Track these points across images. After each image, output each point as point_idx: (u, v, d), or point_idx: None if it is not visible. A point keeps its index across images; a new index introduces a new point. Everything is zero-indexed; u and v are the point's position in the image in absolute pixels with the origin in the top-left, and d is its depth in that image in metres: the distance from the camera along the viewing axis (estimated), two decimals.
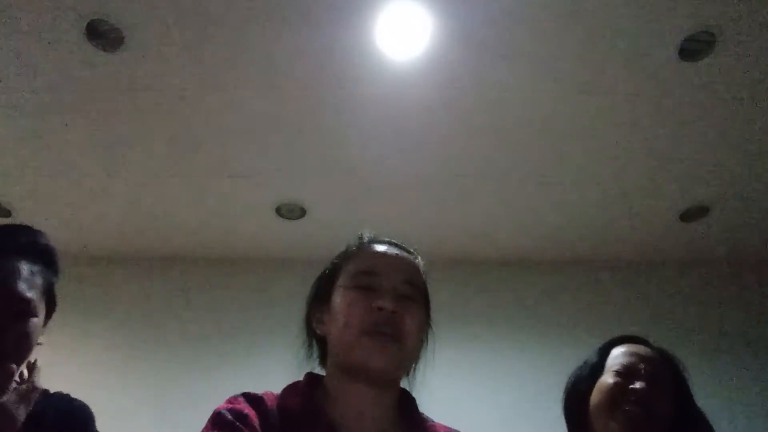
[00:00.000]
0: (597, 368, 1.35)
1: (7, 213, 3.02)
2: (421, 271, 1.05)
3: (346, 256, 1.07)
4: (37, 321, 1.16)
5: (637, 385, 1.24)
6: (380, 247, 1.05)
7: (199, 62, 2.30)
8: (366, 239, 1.10)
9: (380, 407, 0.96)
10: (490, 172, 2.78)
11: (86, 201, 2.95)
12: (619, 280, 3.24)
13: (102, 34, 2.19)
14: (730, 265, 3.25)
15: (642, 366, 1.29)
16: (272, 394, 0.97)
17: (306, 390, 0.98)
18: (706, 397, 3.10)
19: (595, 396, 1.29)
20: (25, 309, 1.12)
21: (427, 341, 1.03)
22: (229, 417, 0.87)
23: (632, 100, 2.43)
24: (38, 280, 1.19)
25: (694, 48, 2.23)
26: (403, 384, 1.03)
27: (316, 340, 1.05)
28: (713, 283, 3.22)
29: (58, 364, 3.24)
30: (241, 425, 0.86)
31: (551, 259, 3.26)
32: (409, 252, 1.07)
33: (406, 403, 1.02)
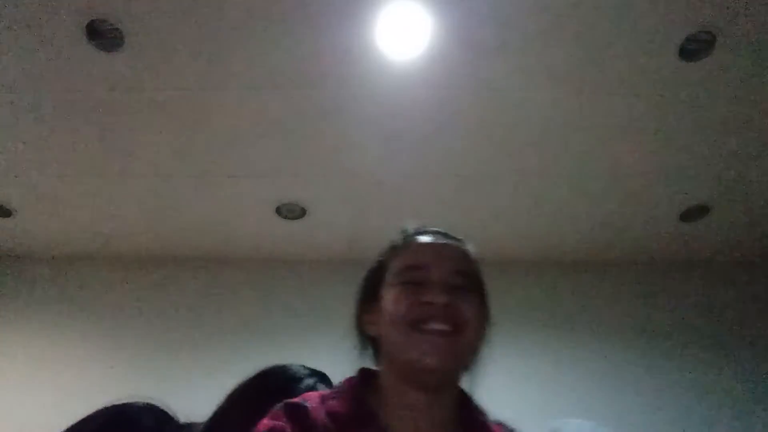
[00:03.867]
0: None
1: (7, 213, 3.02)
2: (473, 258, 0.99)
3: (391, 252, 1.00)
4: None
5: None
6: (426, 239, 0.98)
7: (199, 62, 2.30)
8: (410, 232, 1.02)
9: (437, 410, 0.89)
10: (490, 171, 2.78)
11: (86, 201, 2.96)
12: (619, 280, 3.24)
13: (102, 34, 2.20)
14: (730, 265, 3.25)
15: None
16: (317, 396, 0.90)
17: (358, 392, 0.92)
18: (706, 396, 3.12)
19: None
20: None
21: (487, 333, 0.97)
22: None
23: (632, 100, 2.43)
24: None
25: (694, 48, 2.23)
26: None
27: (369, 341, 0.99)
28: (713, 283, 3.22)
29: (58, 364, 3.26)
30: None
31: (551, 260, 3.26)
32: (456, 240, 1.00)
33: (465, 403, 0.95)
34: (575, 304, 3.17)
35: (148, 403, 1.15)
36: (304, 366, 1.15)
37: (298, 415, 0.85)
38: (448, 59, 2.29)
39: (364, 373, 0.96)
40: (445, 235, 1.00)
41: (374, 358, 0.98)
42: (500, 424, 0.98)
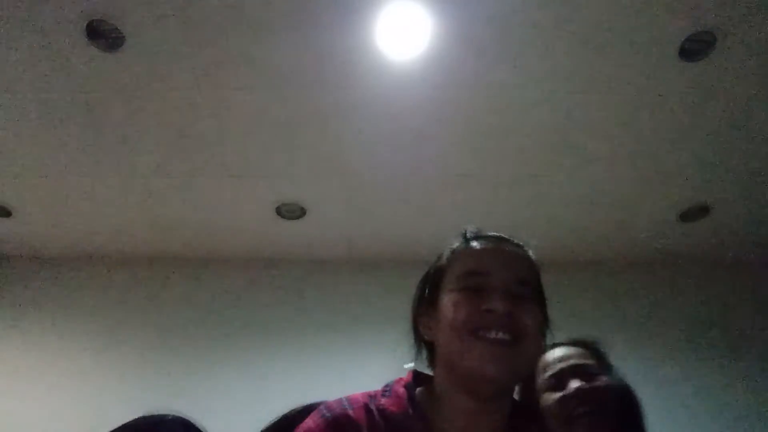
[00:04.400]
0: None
1: (7, 213, 3.02)
2: (535, 265, 0.97)
3: (451, 256, 0.97)
4: None
5: (571, 386, 1.23)
6: (487, 244, 0.95)
7: (199, 62, 2.30)
8: (471, 235, 0.98)
9: (490, 417, 0.88)
10: (490, 171, 2.78)
11: (86, 201, 2.95)
12: (619, 280, 3.24)
13: (102, 34, 2.19)
14: (730, 265, 3.25)
15: (563, 365, 1.29)
16: (363, 396, 0.90)
17: (411, 394, 0.91)
18: (705, 396, 3.12)
19: (548, 421, 1.26)
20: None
21: (545, 342, 0.96)
22: None
23: (632, 100, 2.43)
24: None
25: (694, 48, 2.23)
26: None
27: (425, 345, 0.97)
28: (713, 283, 3.22)
29: (57, 364, 3.26)
30: None
31: (550, 260, 3.24)
32: (518, 246, 0.98)
33: (520, 414, 0.94)
34: (575, 304, 3.17)
35: (180, 417, 1.13)
36: None
37: (340, 425, 0.85)
38: (448, 59, 2.29)
39: (415, 374, 0.95)
40: (507, 240, 0.98)
41: (429, 362, 0.96)
42: None
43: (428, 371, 0.96)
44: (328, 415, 0.86)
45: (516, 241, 0.98)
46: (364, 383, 1.12)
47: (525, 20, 2.16)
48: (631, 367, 3.24)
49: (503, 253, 0.94)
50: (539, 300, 0.93)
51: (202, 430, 1.11)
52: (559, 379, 1.27)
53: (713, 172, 2.75)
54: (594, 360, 1.31)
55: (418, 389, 0.92)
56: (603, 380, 1.26)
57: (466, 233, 0.99)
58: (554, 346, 1.35)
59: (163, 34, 2.20)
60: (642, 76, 2.33)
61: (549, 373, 1.29)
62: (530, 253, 0.98)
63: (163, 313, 3.16)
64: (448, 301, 0.89)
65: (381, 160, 2.72)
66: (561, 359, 1.31)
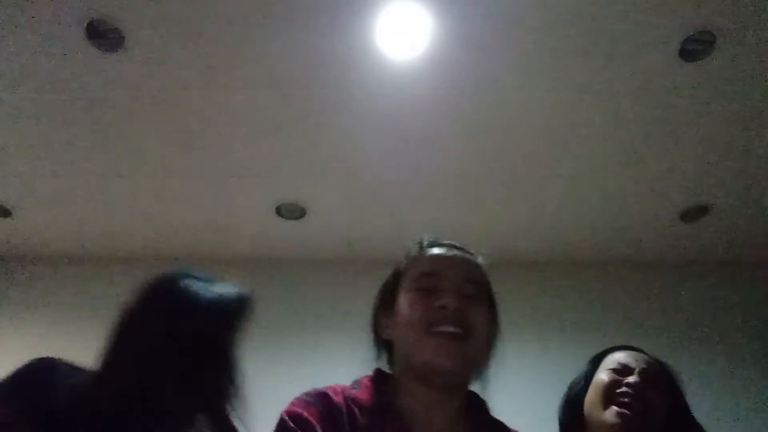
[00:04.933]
0: (590, 374, 1.34)
1: (7, 213, 3.02)
2: (483, 269, 1.04)
3: (408, 261, 1.06)
4: None
5: (631, 379, 1.24)
6: (440, 250, 1.05)
7: (199, 62, 2.30)
8: (425, 242, 1.09)
9: (447, 409, 0.95)
10: (490, 172, 2.78)
11: (86, 201, 2.96)
12: (619, 280, 3.23)
13: (102, 34, 2.19)
14: (730, 265, 3.25)
15: (636, 364, 1.30)
16: (339, 386, 0.98)
17: (376, 384, 1.00)
18: (705, 397, 3.11)
19: (590, 395, 1.29)
20: None
21: (496, 340, 1.03)
22: (291, 424, 0.89)
23: (632, 100, 2.43)
24: None
25: (694, 48, 2.23)
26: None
27: (384, 345, 1.05)
28: (713, 284, 3.22)
29: None
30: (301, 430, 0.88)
31: (551, 260, 3.26)
32: (468, 252, 1.06)
33: (476, 405, 1.01)
34: (575, 304, 3.17)
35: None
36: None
37: (319, 400, 0.93)
38: (448, 59, 2.28)
39: (379, 371, 1.03)
40: (459, 247, 1.06)
41: (388, 361, 1.04)
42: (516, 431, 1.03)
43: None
44: (310, 399, 0.93)
45: (466, 248, 1.07)
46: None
47: (525, 20, 2.16)
48: None
49: (454, 257, 1.03)
50: (488, 300, 1.01)
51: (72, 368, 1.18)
52: (625, 368, 1.28)
53: (713, 172, 2.75)
54: (663, 379, 1.30)
55: (382, 383, 1.00)
56: (662, 397, 1.25)
57: (421, 241, 1.09)
58: (634, 349, 1.38)
59: (163, 34, 2.20)
60: (642, 76, 2.33)
61: (620, 361, 1.30)
62: (480, 259, 1.06)
63: None
64: (404, 301, 0.98)
65: (381, 160, 2.72)
66: (638, 359, 1.32)
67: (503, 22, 2.17)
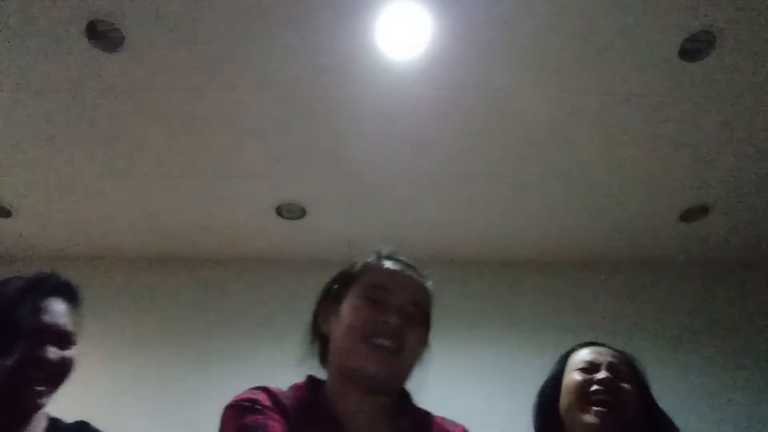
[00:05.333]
0: (558, 376, 1.36)
1: (7, 213, 3.02)
2: (429, 295, 1.11)
3: (364, 268, 1.11)
4: (76, 351, 1.36)
5: (601, 375, 1.26)
6: (395, 266, 1.10)
7: (199, 62, 2.30)
8: (383, 255, 1.14)
9: (373, 406, 1.02)
10: (490, 172, 2.78)
11: (86, 201, 2.96)
12: (619, 280, 3.23)
13: (102, 34, 2.19)
14: (730, 265, 3.25)
15: (602, 359, 1.31)
16: (273, 389, 1.03)
17: (308, 385, 1.06)
18: (705, 396, 3.11)
19: (564, 398, 1.30)
20: (69, 339, 1.33)
21: (423, 359, 1.09)
22: (244, 403, 0.95)
23: (632, 100, 2.43)
24: (76, 316, 1.42)
25: (694, 48, 2.23)
26: None
27: (319, 338, 1.11)
28: (713, 283, 3.22)
29: None
30: (257, 406, 0.94)
31: (551, 260, 3.26)
32: (421, 275, 1.12)
33: (402, 397, 1.08)
34: (575, 304, 3.17)
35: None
36: None
37: (263, 390, 1.00)
38: (448, 59, 2.28)
39: (311, 377, 1.09)
40: (413, 268, 1.12)
41: (320, 353, 1.10)
42: (441, 417, 1.10)
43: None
44: (255, 389, 1.01)
45: (419, 269, 1.12)
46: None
47: (525, 20, 2.16)
48: None
49: (406, 277, 1.08)
50: (425, 323, 1.08)
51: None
52: (592, 365, 1.29)
53: (713, 172, 2.75)
54: (630, 371, 1.32)
55: (315, 385, 1.07)
56: (632, 388, 1.27)
57: (380, 252, 1.14)
58: (597, 344, 1.38)
59: (163, 34, 2.20)
60: (642, 76, 2.33)
61: (585, 359, 1.32)
62: (428, 283, 1.12)
63: (162, 313, 3.16)
64: (351, 305, 1.04)
65: (381, 160, 2.72)
66: (601, 353, 1.33)
67: (503, 22, 2.17)
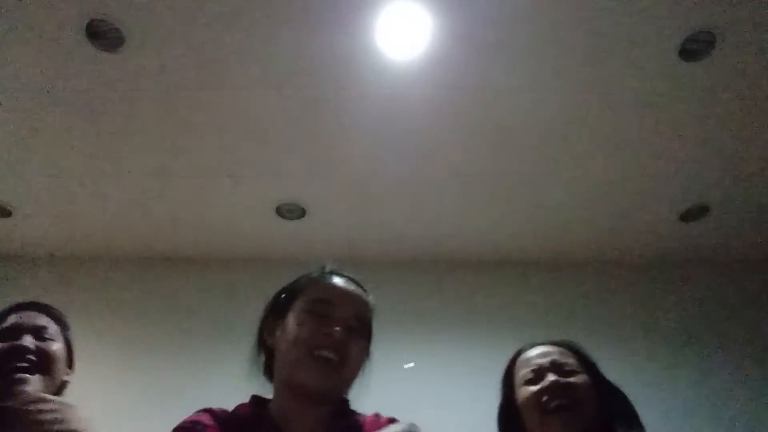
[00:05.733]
0: (509, 394, 1.35)
1: (8, 213, 3.02)
2: (370, 309, 1.15)
3: (309, 282, 1.16)
4: (57, 348, 1.36)
5: (550, 379, 1.25)
6: (339, 281, 1.15)
7: (199, 62, 2.30)
8: (328, 270, 1.19)
9: (318, 417, 1.05)
10: (490, 171, 2.78)
11: (86, 201, 2.95)
12: (619, 280, 3.23)
13: (102, 34, 2.19)
14: (730, 265, 3.25)
15: (545, 360, 1.30)
16: (216, 410, 1.08)
17: (252, 404, 1.11)
18: (705, 396, 3.12)
19: (525, 415, 1.28)
20: (46, 332, 1.35)
21: (365, 368, 1.14)
22: (187, 425, 1.01)
23: (632, 100, 2.43)
24: (58, 327, 1.44)
25: (694, 48, 2.23)
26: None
27: (265, 351, 1.15)
28: (713, 283, 3.22)
29: None
30: (198, 427, 1.00)
31: (551, 260, 3.26)
32: (364, 290, 1.17)
33: (342, 405, 1.12)
34: (575, 304, 3.17)
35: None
36: None
37: (208, 411, 1.05)
38: (448, 59, 2.28)
39: (256, 396, 1.13)
40: (356, 282, 1.17)
41: (266, 365, 1.14)
42: (375, 414, 1.13)
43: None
44: (199, 412, 1.06)
45: (362, 285, 1.17)
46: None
47: (525, 20, 2.16)
48: (630, 366, 3.25)
49: (350, 292, 1.13)
50: (367, 336, 1.13)
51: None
52: (537, 373, 1.29)
53: (713, 172, 2.75)
54: (573, 359, 1.32)
55: (261, 402, 1.11)
56: (581, 377, 1.27)
57: (325, 267, 1.20)
58: (533, 345, 1.38)
59: (163, 34, 2.20)
60: (642, 76, 2.33)
61: (528, 368, 1.31)
62: (370, 297, 1.16)
63: (162, 313, 3.16)
64: (296, 318, 1.07)
65: (381, 160, 2.72)
66: (541, 355, 1.33)
67: (503, 22, 2.17)
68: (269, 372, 1.13)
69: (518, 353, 1.40)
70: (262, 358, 1.15)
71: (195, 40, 2.22)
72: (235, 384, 1.14)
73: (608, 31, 2.19)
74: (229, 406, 1.13)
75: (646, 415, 1.31)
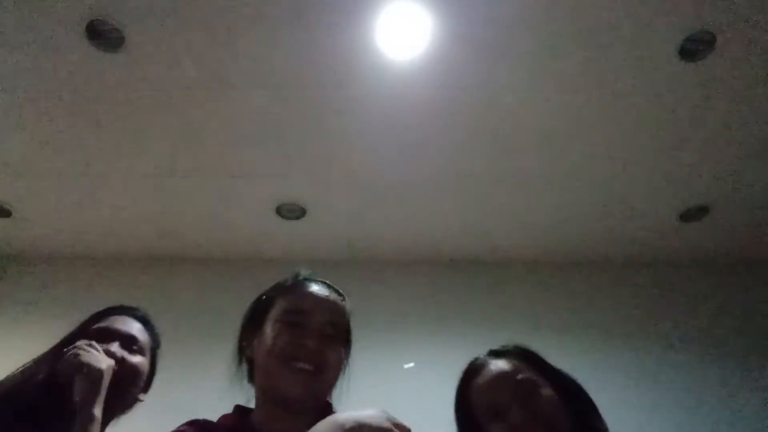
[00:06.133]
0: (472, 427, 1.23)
1: (8, 213, 3.02)
2: (346, 313, 1.14)
3: (281, 290, 1.17)
4: (140, 362, 1.41)
5: (515, 410, 1.14)
6: (313, 288, 1.15)
7: (198, 62, 2.30)
8: (302, 276, 1.20)
9: (300, 424, 1.02)
10: (490, 171, 2.78)
11: (86, 201, 2.96)
12: (618, 280, 3.24)
13: (102, 34, 2.20)
14: (730, 265, 3.25)
15: (505, 386, 1.20)
16: (204, 420, 1.09)
17: (236, 414, 1.11)
18: (705, 396, 3.11)
19: None
20: (133, 342, 1.38)
21: (343, 372, 1.14)
22: None
23: (632, 100, 2.43)
24: (150, 341, 1.50)
25: (694, 48, 2.23)
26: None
27: (246, 360, 1.14)
28: (713, 283, 3.22)
29: None
30: None
31: (551, 260, 3.26)
32: (339, 294, 1.16)
33: (325, 410, 1.09)
34: (575, 304, 3.17)
35: None
36: None
37: (195, 423, 1.06)
38: (448, 59, 2.29)
39: (240, 407, 1.13)
40: (330, 287, 1.16)
41: (248, 375, 1.13)
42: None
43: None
44: (186, 425, 1.06)
45: (337, 289, 1.17)
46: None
47: (525, 20, 2.16)
48: (630, 366, 3.25)
49: (323, 298, 1.12)
50: (344, 340, 1.12)
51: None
52: (496, 401, 1.18)
53: (713, 172, 2.75)
54: (532, 371, 1.23)
55: (245, 412, 1.11)
56: (543, 391, 1.18)
57: (298, 274, 1.21)
58: (491, 354, 1.32)
59: (164, 34, 2.20)
60: (642, 76, 2.33)
61: (487, 401, 1.20)
62: (346, 301, 1.16)
63: (162, 313, 3.14)
64: (272, 329, 1.08)
65: (381, 160, 2.72)
66: (496, 385, 1.22)
67: (503, 23, 2.17)
68: (253, 379, 1.13)
69: (467, 379, 1.30)
70: (244, 366, 1.15)
71: (194, 40, 2.22)
72: (235, 383, 1.14)
73: (608, 31, 2.19)
74: (230, 404, 1.13)
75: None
